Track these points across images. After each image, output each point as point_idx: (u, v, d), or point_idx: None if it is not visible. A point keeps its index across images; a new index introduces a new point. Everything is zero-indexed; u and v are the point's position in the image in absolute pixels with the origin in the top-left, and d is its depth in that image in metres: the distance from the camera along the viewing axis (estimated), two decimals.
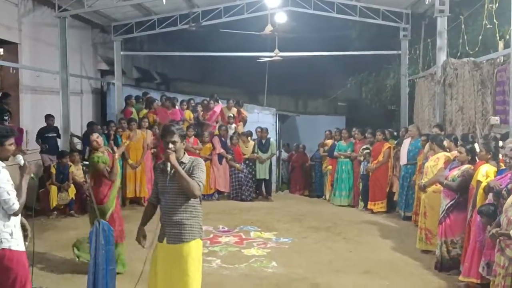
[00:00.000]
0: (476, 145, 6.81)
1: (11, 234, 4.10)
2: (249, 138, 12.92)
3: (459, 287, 6.15)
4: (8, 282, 4.06)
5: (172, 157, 4.31)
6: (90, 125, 11.05)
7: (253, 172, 12.75)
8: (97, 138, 6.51)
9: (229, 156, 12.44)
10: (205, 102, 13.69)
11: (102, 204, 6.26)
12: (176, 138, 4.38)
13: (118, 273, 5.75)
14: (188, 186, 4.29)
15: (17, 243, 4.15)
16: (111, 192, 6.37)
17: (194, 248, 4.41)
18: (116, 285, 5.05)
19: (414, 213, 9.61)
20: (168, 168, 4.38)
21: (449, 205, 6.81)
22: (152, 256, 4.49)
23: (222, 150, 12.40)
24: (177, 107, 13.27)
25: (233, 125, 13.12)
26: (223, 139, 12.60)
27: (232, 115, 13.34)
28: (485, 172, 5.98)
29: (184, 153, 4.51)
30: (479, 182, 5.92)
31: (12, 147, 4.29)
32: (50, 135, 11.06)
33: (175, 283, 4.34)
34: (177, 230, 4.36)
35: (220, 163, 12.44)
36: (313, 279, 6.55)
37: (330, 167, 12.71)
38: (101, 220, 5.03)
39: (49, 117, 11.06)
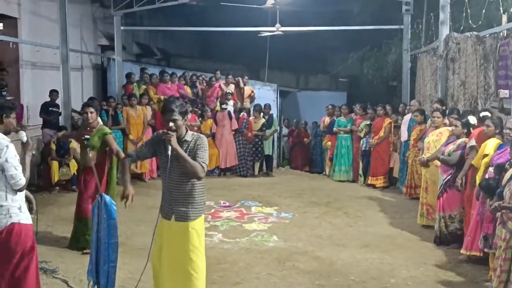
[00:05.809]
0: (470, 118, 6.78)
1: (19, 208, 4.12)
2: (261, 114, 12.77)
3: (461, 261, 6.20)
4: (17, 256, 4.09)
5: (173, 140, 4.17)
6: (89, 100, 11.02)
7: (260, 149, 12.72)
8: (90, 112, 6.36)
9: (245, 131, 12.45)
10: (212, 80, 13.65)
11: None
12: (176, 116, 4.21)
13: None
14: (191, 170, 4.20)
15: (26, 217, 4.18)
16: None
17: (199, 223, 4.41)
18: (118, 258, 5.06)
19: (408, 187, 9.70)
20: (169, 152, 4.21)
21: (446, 180, 6.83)
22: (155, 231, 4.43)
23: (236, 126, 12.48)
24: (178, 82, 13.23)
25: (231, 101, 13.02)
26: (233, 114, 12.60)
27: (230, 92, 13.27)
28: (493, 147, 5.94)
29: (187, 129, 4.36)
30: (486, 156, 5.87)
31: (15, 121, 4.29)
32: (54, 109, 10.97)
33: (181, 257, 4.32)
34: (185, 208, 4.32)
35: (235, 140, 12.47)
36: (313, 253, 6.60)
37: (329, 143, 12.71)
38: (103, 194, 5.01)
39: (53, 93, 10.92)
